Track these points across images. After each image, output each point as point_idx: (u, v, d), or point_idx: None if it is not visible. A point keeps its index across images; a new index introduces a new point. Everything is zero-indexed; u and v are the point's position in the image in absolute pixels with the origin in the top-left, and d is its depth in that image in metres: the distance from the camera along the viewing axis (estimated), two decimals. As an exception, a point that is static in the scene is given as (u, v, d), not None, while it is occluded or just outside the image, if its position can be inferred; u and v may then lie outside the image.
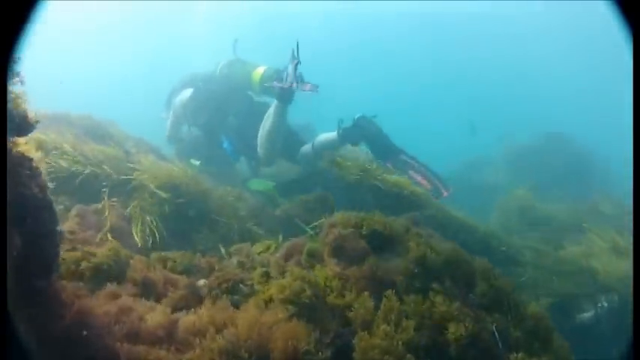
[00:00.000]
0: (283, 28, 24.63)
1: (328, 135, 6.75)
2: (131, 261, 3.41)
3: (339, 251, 3.58)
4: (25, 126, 2.10)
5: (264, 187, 6.61)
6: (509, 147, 13.60)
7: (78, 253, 3.19)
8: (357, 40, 30.26)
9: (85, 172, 4.74)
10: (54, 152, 4.76)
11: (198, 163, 7.11)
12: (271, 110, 6.55)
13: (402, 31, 29.29)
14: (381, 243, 3.70)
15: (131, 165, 5.16)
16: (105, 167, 4.92)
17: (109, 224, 4.14)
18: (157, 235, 4.39)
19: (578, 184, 10.73)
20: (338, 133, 6.52)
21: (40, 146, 4.38)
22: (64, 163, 4.68)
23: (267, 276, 3.30)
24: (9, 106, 1.97)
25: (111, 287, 3.01)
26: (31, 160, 2.29)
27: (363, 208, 4.23)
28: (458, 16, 26.60)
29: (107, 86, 22.16)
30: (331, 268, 3.38)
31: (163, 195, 4.82)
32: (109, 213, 4.30)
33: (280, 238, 4.67)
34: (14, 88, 2.02)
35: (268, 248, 4.18)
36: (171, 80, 8.64)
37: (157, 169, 5.23)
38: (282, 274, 3.40)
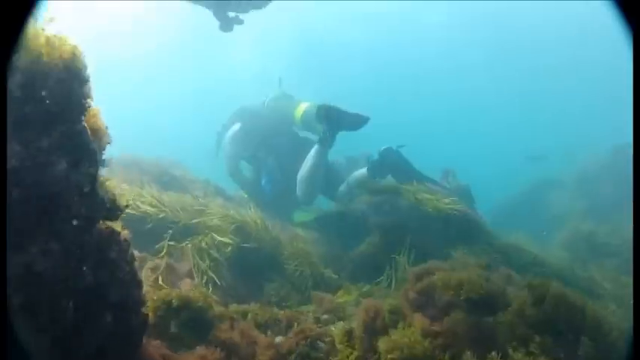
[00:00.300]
0: (326, 58, 24.93)
1: (358, 173, 6.95)
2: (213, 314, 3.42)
3: (425, 305, 3.44)
4: (115, 210, 2.11)
5: (307, 218, 6.80)
6: (574, 165, 13.18)
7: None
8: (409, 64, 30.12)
9: (160, 216, 4.88)
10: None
11: None
12: (312, 153, 6.74)
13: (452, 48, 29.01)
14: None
15: (199, 208, 5.24)
16: (178, 212, 5.03)
17: (163, 264, 4.15)
18: (221, 282, 4.35)
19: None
20: (368, 168, 6.69)
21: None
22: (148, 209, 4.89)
23: (349, 335, 3.19)
24: (100, 191, 1.99)
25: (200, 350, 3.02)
26: (119, 234, 2.30)
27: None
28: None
29: (149, 122, 22.72)
30: (420, 325, 3.20)
31: (228, 241, 4.83)
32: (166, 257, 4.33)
33: (355, 289, 4.62)
34: (102, 172, 2.05)
35: (345, 300, 4.10)
36: (217, 114, 8.84)
37: (222, 214, 5.26)
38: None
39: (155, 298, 3.36)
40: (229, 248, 4.77)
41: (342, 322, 3.50)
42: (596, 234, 8.27)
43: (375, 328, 3.16)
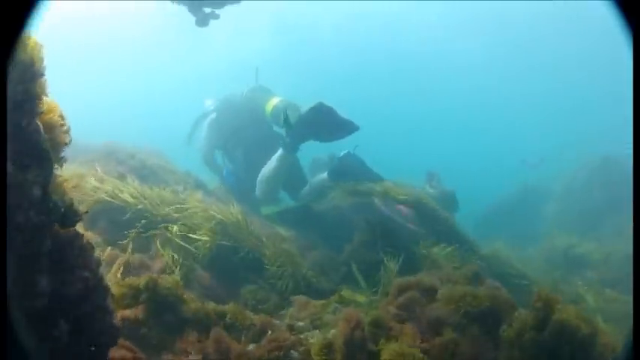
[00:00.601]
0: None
1: (319, 177, 6.98)
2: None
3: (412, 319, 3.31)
4: (71, 216, 1.97)
5: (272, 211, 6.86)
6: (562, 172, 13.20)
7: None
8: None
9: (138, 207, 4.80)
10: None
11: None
12: (276, 156, 6.68)
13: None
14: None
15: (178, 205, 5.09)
16: (157, 206, 4.92)
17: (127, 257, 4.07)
18: (196, 281, 4.29)
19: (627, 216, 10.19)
20: (328, 174, 6.66)
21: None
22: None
23: (329, 348, 3.05)
24: (54, 194, 1.84)
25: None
26: (81, 239, 2.17)
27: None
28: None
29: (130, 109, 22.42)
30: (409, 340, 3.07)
31: (206, 238, 4.71)
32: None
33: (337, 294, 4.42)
34: (57, 171, 1.91)
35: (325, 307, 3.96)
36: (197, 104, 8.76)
37: (202, 209, 5.14)
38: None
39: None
40: (208, 245, 4.65)
41: (317, 330, 3.40)
42: (579, 245, 8.22)
43: (354, 341, 3.05)
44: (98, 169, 5.54)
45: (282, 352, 3.08)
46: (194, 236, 4.69)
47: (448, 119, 30.83)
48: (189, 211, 5.04)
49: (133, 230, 4.50)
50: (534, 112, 29.22)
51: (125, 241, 4.36)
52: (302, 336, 3.29)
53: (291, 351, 3.10)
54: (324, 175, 6.77)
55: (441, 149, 26.86)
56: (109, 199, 4.80)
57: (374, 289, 4.64)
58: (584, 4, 14.58)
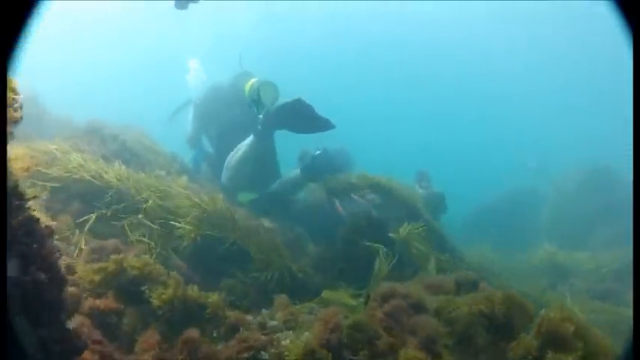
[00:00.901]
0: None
1: (292, 173, 6.73)
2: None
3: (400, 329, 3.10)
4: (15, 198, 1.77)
5: (247, 198, 6.67)
6: (553, 177, 13.10)
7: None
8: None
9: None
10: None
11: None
12: (245, 142, 6.44)
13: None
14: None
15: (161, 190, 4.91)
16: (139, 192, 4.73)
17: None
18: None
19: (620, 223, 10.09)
20: (301, 171, 6.47)
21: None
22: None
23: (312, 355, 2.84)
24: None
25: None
26: (36, 224, 1.99)
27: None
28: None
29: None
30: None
31: (189, 227, 4.53)
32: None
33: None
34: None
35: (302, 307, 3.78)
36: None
37: (186, 197, 4.94)
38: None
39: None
40: (192, 235, 4.48)
41: (291, 331, 3.23)
42: (569, 254, 8.07)
43: (330, 345, 2.87)
44: (85, 147, 5.37)
45: (251, 353, 2.92)
46: (177, 224, 4.52)
47: (444, 118, 30.69)
48: (173, 199, 4.85)
49: (107, 212, 4.33)
50: (528, 115, 29.13)
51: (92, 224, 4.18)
52: (274, 336, 3.13)
53: (262, 352, 2.95)
54: (297, 171, 6.57)
55: (435, 148, 26.73)
56: (92, 179, 4.61)
57: (359, 289, 4.47)
58: (585, 4, 14.39)
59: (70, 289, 3.01)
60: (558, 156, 15.51)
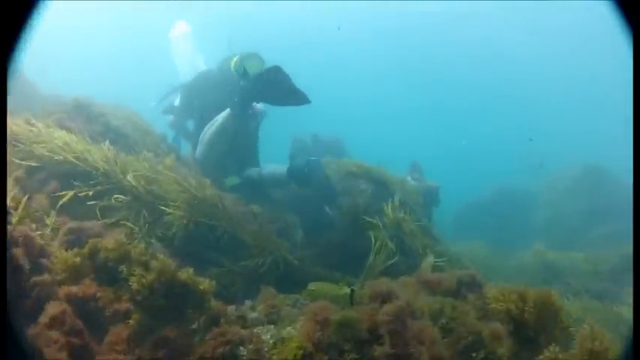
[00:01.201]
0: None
1: (278, 168, 6.24)
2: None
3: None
4: None
5: (233, 182, 6.29)
6: (545, 176, 12.90)
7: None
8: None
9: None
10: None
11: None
12: (222, 114, 6.04)
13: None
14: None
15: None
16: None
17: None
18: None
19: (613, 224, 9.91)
20: (288, 171, 6.01)
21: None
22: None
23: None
24: None
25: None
26: None
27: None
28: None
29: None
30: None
31: (179, 213, 4.25)
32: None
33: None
34: None
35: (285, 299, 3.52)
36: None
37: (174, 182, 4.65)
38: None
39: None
40: (183, 222, 4.21)
41: (272, 325, 2.99)
42: (561, 253, 7.85)
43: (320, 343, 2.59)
44: (71, 125, 5.06)
45: (227, 349, 2.68)
46: (167, 210, 4.25)
47: (446, 113, 30.59)
48: (160, 183, 4.53)
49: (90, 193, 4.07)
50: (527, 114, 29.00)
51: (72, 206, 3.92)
52: (255, 330, 2.89)
53: (240, 347, 2.71)
54: (282, 168, 6.11)
55: (435, 143, 26.58)
56: (76, 161, 4.30)
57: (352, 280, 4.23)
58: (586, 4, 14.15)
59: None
60: (557, 154, 15.26)
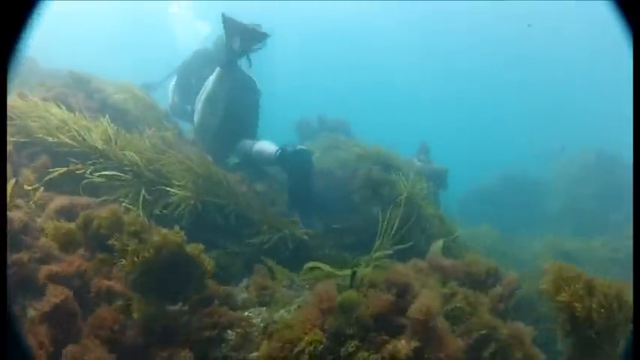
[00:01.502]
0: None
1: (267, 147, 5.85)
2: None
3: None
4: None
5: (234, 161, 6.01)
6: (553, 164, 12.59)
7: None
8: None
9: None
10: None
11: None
12: (212, 76, 5.69)
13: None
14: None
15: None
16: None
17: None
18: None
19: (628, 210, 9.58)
20: (276, 153, 5.66)
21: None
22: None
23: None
24: None
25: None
26: None
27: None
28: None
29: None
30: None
31: (184, 193, 4.02)
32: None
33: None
34: None
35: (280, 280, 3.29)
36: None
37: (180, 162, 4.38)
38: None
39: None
40: (191, 202, 3.99)
41: (264, 308, 2.78)
42: (575, 240, 7.50)
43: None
44: (70, 100, 4.85)
45: (215, 332, 2.49)
46: (170, 189, 4.01)
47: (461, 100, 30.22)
48: (162, 161, 4.28)
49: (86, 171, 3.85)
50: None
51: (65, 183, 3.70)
52: (245, 313, 2.69)
53: (228, 331, 2.52)
54: (271, 149, 5.75)
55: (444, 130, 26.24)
56: (73, 142, 4.02)
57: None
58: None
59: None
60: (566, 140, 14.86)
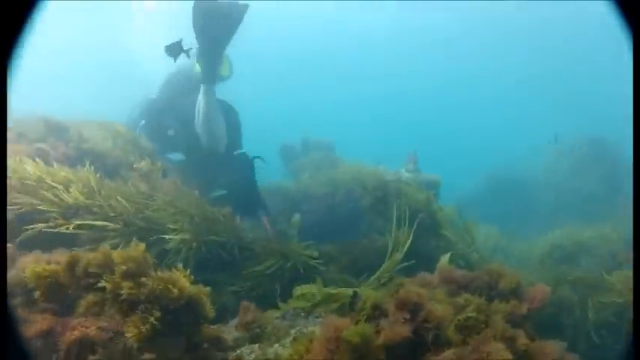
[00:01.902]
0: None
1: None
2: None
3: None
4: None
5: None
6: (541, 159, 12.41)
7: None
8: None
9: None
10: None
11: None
12: (200, 96, 5.55)
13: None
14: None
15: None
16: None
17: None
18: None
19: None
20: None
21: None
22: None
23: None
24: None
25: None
26: None
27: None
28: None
29: None
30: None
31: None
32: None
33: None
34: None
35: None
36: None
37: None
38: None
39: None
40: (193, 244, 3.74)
41: (256, 345, 2.52)
42: (584, 228, 7.17)
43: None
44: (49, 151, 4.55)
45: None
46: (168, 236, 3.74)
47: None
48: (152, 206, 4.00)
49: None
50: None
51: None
52: (236, 353, 2.43)
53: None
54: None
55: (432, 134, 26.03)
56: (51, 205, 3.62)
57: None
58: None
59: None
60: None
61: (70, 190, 3.73)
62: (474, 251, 4.73)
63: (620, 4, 1.73)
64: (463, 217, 5.16)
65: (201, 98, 5.56)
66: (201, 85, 5.51)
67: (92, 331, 2.23)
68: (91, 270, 2.42)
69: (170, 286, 2.20)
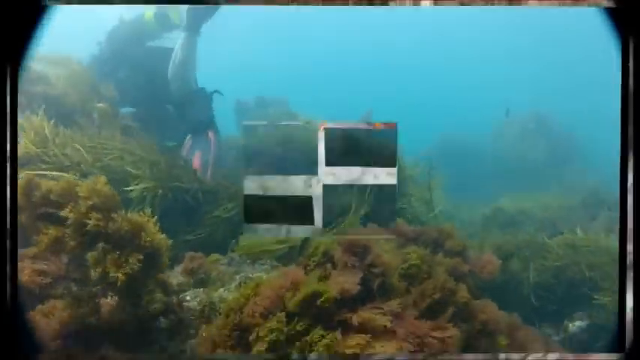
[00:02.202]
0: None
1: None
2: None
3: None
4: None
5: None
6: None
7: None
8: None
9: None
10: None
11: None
12: (180, 43, 5.54)
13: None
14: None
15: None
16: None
17: None
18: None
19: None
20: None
21: None
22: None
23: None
24: None
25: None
26: None
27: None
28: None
29: None
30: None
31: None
32: None
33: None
34: None
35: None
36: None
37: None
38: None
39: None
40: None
41: (202, 289, 2.46)
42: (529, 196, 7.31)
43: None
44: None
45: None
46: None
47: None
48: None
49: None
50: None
51: None
52: (180, 297, 2.37)
53: (160, 319, 2.20)
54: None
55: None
56: None
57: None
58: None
59: None
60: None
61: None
62: (430, 211, 4.74)
63: (611, 13, 1.77)
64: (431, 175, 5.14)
65: (180, 45, 5.54)
66: (184, 32, 5.50)
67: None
68: (52, 197, 2.21)
69: (141, 232, 2.08)
